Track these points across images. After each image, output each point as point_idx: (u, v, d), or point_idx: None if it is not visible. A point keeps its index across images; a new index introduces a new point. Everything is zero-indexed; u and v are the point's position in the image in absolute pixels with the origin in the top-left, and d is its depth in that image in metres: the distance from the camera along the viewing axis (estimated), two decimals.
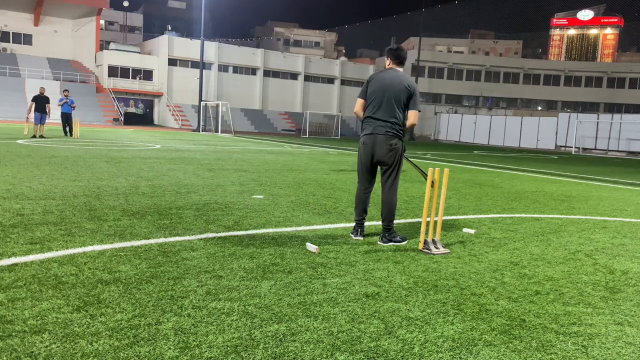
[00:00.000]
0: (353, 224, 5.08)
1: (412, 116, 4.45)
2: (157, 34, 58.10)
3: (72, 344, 2.27)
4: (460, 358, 2.36)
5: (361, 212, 4.66)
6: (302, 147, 22.50)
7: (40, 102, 18.08)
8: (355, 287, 3.27)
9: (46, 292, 2.88)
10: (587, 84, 64.22)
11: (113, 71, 47.61)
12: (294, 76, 56.66)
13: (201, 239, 4.29)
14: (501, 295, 3.30)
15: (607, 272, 3.99)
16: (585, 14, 75.01)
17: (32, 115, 18.10)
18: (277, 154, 16.48)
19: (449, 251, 4.34)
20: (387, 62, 4.60)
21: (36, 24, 48.52)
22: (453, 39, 76.75)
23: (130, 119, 44.11)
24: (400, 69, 4.55)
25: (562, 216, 6.62)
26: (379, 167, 4.62)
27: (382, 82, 4.43)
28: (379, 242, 4.52)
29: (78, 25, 50.24)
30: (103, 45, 53.31)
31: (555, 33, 77.66)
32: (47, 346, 2.23)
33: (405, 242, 4.56)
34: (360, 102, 4.54)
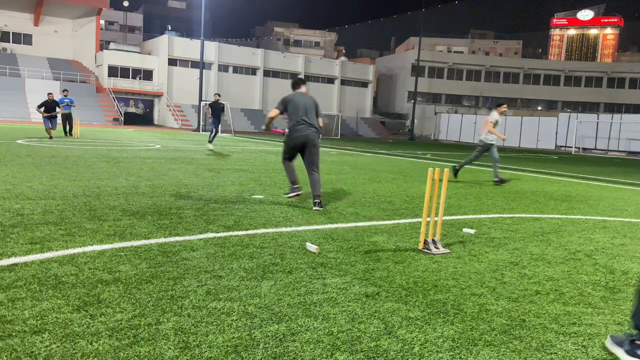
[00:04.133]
0: (353, 224, 5.19)
1: (321, 121, 6.49)
2: (157, 34, 58.07)
3: (72, 344, 2.27)
4: (460, 358, 2.36)
5: (296, 176, 6.51)
6: None
7: (50, 108, 17.59)
8: (355, 287, 3.27)
9: (46, 292, 2.88)
10: (587, 84, 64.22)
11: (113, 71, 47.60)
12: (294, 76, 56.61)
13: (201, 239, 4.29)
14: (501, 295, 3.30)
15: (607, 272, 3.98)
16: (585, 14, 75.03)
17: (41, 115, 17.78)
18: (277, 154, 16.47)
19: (449, 251, 4.34)
20: (297, 88, 6.51)
21: (36, 24, 48.50)
22: (453, 39, 76.76)
23: (130, 119, 44.11)
24: (305, 90, 6.54)
25: (562, 216, 6.62)
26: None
27: (300, 99, 6.35)
28: (314, 208, 6.06)
29: (78, 25, 50.22)
30: (103, 45, 53.28)
31: (555, 33, 77.67)
32: (47, 346, 2.23)
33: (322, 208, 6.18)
34: (275, 111, 6.32)
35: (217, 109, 16.05)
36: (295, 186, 6.44)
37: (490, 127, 9.73)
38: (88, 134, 23.29)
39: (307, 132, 6.22)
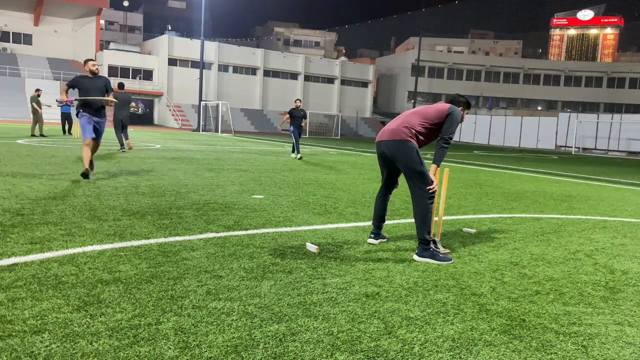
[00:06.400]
0: (353, 224, 5.18)
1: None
2: (157, 34, 58.08)
3: (72, 344, 2.26)
4: (460, 358, 2.36)
5: (122, 143, 12.44)
6: (302, 147, 22.49)
7: (89, 89, 7.75)
8: (355, 287, 3.27)
9: (46, 292, 2.87)
10: (587, 84, 64.23)
11: (113, 71, 47.62)
12: (294, 76, 56.65)
13: (201, 239, 4.29)
14: (501, 295, 3.30)
15: (607, 272, 3.98)
16: (585, 14, 75.05)
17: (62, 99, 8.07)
18: (277, 154, 16.47)
19: (449, 251, 4.34)
20: (121, 89, 13.41)
21: (36, 24, 48.52)
22: (453, 39, 76.80)
23: (130, 119, 44.11)
24: (125, 89, 12.38)
25: (562, 216, 6.62)
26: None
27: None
28: (125, 148, 12.20)
29: (78, 25, 50.24)
30: (103, 45, 53.33)
31: (556, 33, 77.70)
32: (47, 346, 2.23)
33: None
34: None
35: (297, 116, 14.17)
36: (128, 146, 13.42)
37: None
38: None
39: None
